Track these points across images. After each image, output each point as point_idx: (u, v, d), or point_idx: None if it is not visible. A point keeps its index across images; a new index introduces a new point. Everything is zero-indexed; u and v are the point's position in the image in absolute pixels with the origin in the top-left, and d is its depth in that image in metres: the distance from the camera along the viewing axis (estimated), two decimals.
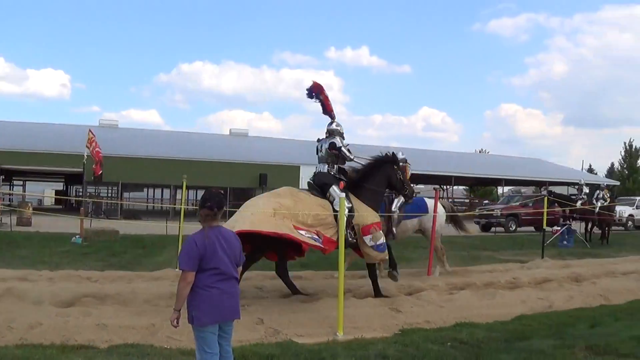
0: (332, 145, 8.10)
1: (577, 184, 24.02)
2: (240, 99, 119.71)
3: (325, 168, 8.15)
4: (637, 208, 32.89)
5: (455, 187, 54.54)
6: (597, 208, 21.21)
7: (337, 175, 8.11)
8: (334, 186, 7.84)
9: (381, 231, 7.84)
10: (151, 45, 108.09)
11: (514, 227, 27.31)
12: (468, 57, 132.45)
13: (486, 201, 44.31)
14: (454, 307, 7.76)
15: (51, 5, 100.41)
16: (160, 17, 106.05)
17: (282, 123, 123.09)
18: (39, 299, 6.90)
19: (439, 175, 43.06)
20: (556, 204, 21.47)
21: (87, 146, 18.69)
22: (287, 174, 33.57)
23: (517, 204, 28.72)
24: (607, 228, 21.51)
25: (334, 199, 7.62)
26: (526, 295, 8.75)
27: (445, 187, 51.25)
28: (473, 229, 14.87)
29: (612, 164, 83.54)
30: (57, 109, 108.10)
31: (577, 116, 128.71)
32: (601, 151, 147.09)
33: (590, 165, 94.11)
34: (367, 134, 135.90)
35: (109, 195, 36.71)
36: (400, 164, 8.80)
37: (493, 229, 27.23)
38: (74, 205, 29.93)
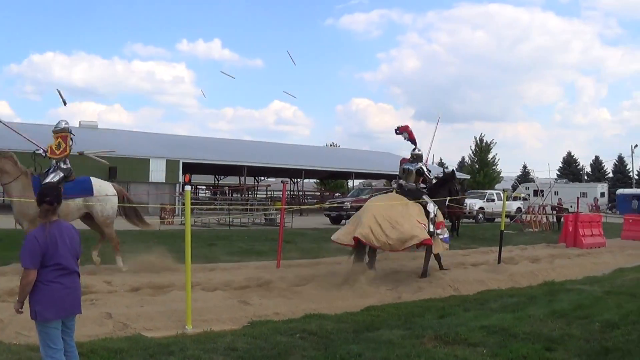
0: (419, 172, 11.98)
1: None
2: (92, 91, 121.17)
3: (412, 185, 11.90)
4: (487, 201, 37.16)
5: (306, 181, 56.59)
6: (447, 201, 23.45)
7: (421, 189, 12.05)
8: (424, 196, 11.59)
9: (446, 228, 11.81)
10: (1, 35, 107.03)
11: None
12: (320, 51, 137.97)
13: (337, 194, 46.75)
14: (303, 298, 8.30)
15: None
16: (12, 6, 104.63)
17: (133, 115, 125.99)
18: None
19: (289, 168, 44.64)
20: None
21: None
22: (137, 167, 34.80)
23: (368, 196, 30.81)
24: (457, 220, 23.74)
25: (427, 203, 11.36)
26: (376, 286, 9.53)
27: (295, 180, 52.94)
28: (153, 222, 15.30)
29: (463, 158, 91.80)
30: None
31: (428, 111, 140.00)
32: (452, 145, 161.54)
33: (441, 159, 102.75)
34: (218, 127, 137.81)
35: None
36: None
37: (343, 221, 28.55)
38: None
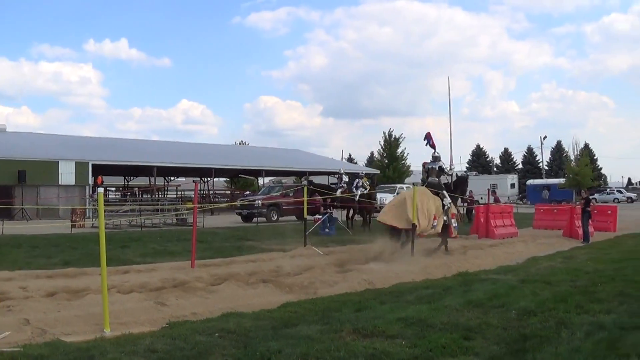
0: (441, 168, 16.17)
1: (337, 173, 27.04)
2: None
3: (435, 180, 15.82)
4: (397, 195, 38.33)
5: (216, 179, 56.29)
6: (358, 196, 24.19)
7: (442, 184, 15.96)
8: (444, 191, 15.52)
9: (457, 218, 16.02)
10: None
11: (275, 217, 29.89)
12: (228, 50, 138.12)
13: (247, 192, 46.92)
14: (220, 297, 8.37)
15: None
16: None
17: (41, 118, 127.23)
18: None
19: (199, 167, 45.01)
20: (317, 193, 23.91)
21: None
22: (46, 170, 35.55)
23: (278, 194, 31.25)
24: (368, 215, 24.54)
25: (444, 197, 15.33)
26: (291, 283, 9.71)
27: (206, 179, 52.56)
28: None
29: (372, 153, 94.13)
30: None
31: (336, 107, 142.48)
32: (361, 141, 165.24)
33: (350, 155, 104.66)
34: (127, 127, 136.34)
35: None
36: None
37: (255, 219, 29.17)
38: None
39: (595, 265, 12.22)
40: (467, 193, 19.87)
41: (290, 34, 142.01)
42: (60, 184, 36.19)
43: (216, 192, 54.95)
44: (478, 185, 46.55)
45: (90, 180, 37.70)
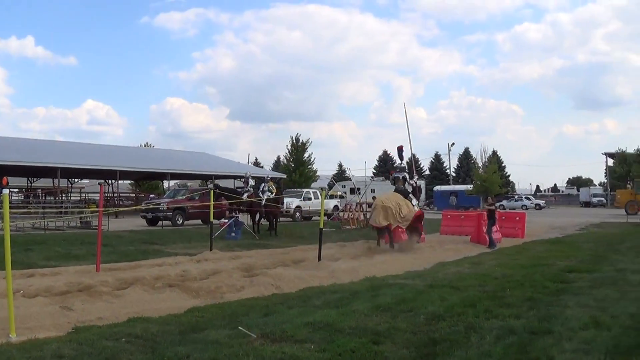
0: (404, 177, 19.37)
1: (243, 177, 27.18)
2: None
3: (402, 187, 19.01)
4: (304, 200, 39.04)
5: (120, 182, 55.26)
6: (264, 200, 24.47)
7: (407, 190, 19.09)
8: (410, 195, 18.87)
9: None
10: None
11: (181, 221, 29.91)
12: (135, 50, 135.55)
13: (152, 195, 46.52)
14: (126, 302, 8.42)
15: None
16: None
17: None
18: None
19: (104, 169, 44.60)
20: (223, 197, 23.99)
21: None
22: None
23: (184, 197, 31.41)
24: (274, 219, 24.89)
25: (411, 200, 18.61)
26: (198, 287, 9.81)
27: (110, 181, 51.50)
28: None
29: (279, 158, 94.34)
30: None
31: (243, 111, 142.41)
32: (268, 145, 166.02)
33: (256, 159, 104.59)
34: (30, 127, 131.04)
35: None
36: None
37: (160, 222, 29.03)
38: None
39: (503, 271, 12.58)
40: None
41: (199, 35, 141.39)
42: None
43: (121, 195, 54.25)
44: (384, 191, 47.74)
45: None
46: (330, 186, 78.16)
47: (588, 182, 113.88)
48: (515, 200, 73.50)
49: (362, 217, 31.41)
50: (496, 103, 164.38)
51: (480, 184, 58.73)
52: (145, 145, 76.97)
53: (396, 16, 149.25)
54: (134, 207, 35.72)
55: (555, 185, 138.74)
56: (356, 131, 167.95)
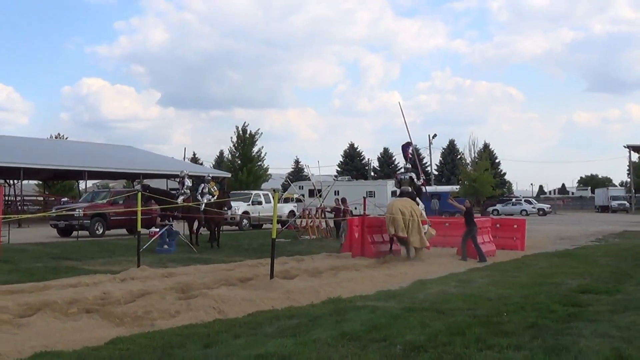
0: (411, 178, 21.30)
1: (178, 176, 27.05)
2: None
3: (408, 189, 20.92)
4: (253, 204, 39.15)
5: (25, 182, 54.40)
6: (203, 205, 24.40)
7: (414, 193, 21.07)
8: (417, 199, 20.70)
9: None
10: None
11: (101, 230, 29.99)
12: (43, 19, 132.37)
13: (65, 199, 45.99)
14: (32, 333, 8.31)
15: None
16: None
17: None
18: None
19: (3, 167, 43.88)
20: (153, 201, 23.85)
21: None
22: None
23: (105, 201, 30.96)
24: (216, 228, 24.87)
25: (419, 204, 20.42)
26: (122, 313, 9.79)
27: (12, 181, 50.77)
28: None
29: (222, 153, 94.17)
30: None
31: (178, 95, 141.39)
32: (208, 137, 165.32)
33: (194, 154, 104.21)
34: None
35: None
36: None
37: (75, 233, 28.86)
38: None
39: (499, 291, 12.67)
40: (344, 202, 21.31)
41: (122, 1, 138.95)
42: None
43: (25, 198, 53.30)
44: (352, 193, 48.11)
45: None
46: (285, 187, 78.40)
47: (606, 182, 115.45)
48: (513, 204, 74.39)
49: (323, 224, 31.55)
50: (489, 86, 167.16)
51: (468, 184, 59.62)
52: (56, 137, 76.53)
53: None
54: (42, 214, 35.33)
55: (563, 185, 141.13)
56: (316, 121, 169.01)
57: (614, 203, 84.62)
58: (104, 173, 52.57)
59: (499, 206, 71.69)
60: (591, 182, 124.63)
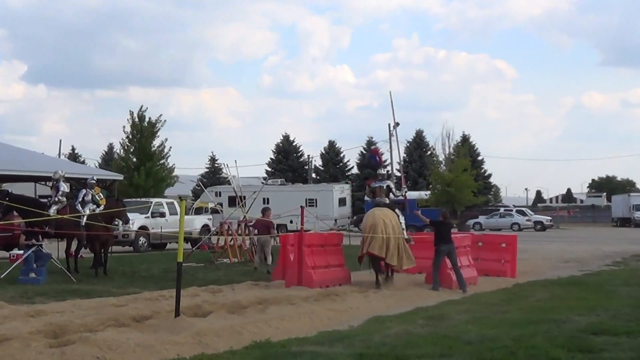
0: (389, 187, 22.89)
1: (50, 178, 26.70)
2: None
3: (384, 200, 22.33)
4: (153, 216, 38.91)
5: None
6: (85, 218, 24.01)
7: (392, 203, 22.80)
8: (397, 210, 22.32)
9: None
10: None
11: None
12: None
13: None
14: None
15: None
16: None
17: None
18: None
19: None
20: (15, 213, 23.43)
21: None
22: None
23: None
24: (103, 249, 24.76)
25: (399, 215, 21.91)
26: None
27: None
28: None
29: (112, 147, 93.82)
30: None
31: (51, 69, 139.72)
32: (92, 126, 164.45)
33: (74, 149, 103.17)
34: None
35: None
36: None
37: None
38: None
39: (481, 331, 12.78)
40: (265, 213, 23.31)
41: None
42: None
43: None
44: (286, 201, 48.27)
45: None
46: (198, 194, 78.01)
47: (627, 186, 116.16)
48: (501, 216, 75.15)
49: (247, 243, 31.47)
50: (470, 58, 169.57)
51: (442, 189, 60.03)
52: None
53: None
54: None
55: (568, 191, 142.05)
56: (239, 104, 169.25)
57: (638, 214, 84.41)
58: None
59: (482, 218, 72.39)
60: (607, 186, 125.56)
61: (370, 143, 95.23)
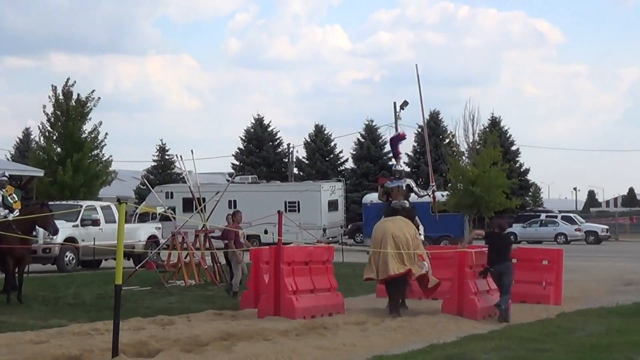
0: (409, 187, 24.34)
1: None
2: None
3: (404, 204, 23.80)
4: (83, 225, 38.80)
5: None
6: None
7: (413, 209, 24.26)
8: (417, 218, 23.79)
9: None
10: None
11: None
12: None
13: None
14: None
15: None
16: None
17: None
18: None
19: None
20: None
21: None
22: None
23: None
24: (17, 267, 24.73)
25: (418, 227, 23.27)
26: None
27: None
28: None
29: (29, 133, 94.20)
30: None
31: None
32: (2, 105, 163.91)
33: None
34: None
35: None
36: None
37: None
38: None
39: None
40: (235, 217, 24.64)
41: None
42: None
43: None
44: (259, 204, 48.53)
45: None
46: (143, 195, 78.08)
47: None
48: (543, 225, 75.35)
49: (205, 261, 31.47)
50: (501, 17, 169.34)
51: (464, 188, 60.03)
52: None
53: None
54: None
55: (631, 191, 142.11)
56: (197, 77, 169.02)
57: None
58: None
59: (517, 227, 72.13)
60: None
61: (369, 128, 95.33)
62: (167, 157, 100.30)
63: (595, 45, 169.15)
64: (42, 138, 64.49)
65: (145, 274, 32.15)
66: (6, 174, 28.56)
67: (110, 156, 63.91)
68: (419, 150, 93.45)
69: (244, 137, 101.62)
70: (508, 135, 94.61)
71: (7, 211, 24.94)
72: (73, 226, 38.75)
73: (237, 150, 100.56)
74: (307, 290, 21.22)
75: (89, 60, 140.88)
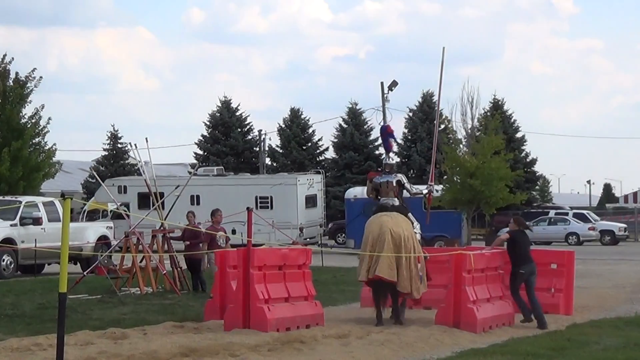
0: (400, 183, 24.65)
1: None
2: None
3: (393, 202, 24.25)
4: (23, 224, 38.81)
5: None
6: None
7: (406, 207, 24.81)
8: (410, 214, 24.34)
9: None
10: None
11: None
12: None
13: None
14: None
15: None
16: None
17: None
18: None
19: None
20: None
21: None
22: None
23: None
24: None
25: (413, 223, 23.98)
26: None
27: None
28: None
29: None
30: None
31: None
32: None
33: None
34: None
35: None
36: None
37: None
38: None
39: None
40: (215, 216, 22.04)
41: None
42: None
43: None
44: (226, 199, 48.65)
45: None
46: (92, 189, 78.09)
47: None
48: (552, 223, 75.63)
49: (164, 266, 31.52)
50: None
51: (462, 181, 60.16)
52: None
53: None
54: None
55: None
56: (155, 53, 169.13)
57: None
58: None
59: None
60: None
61: (353, 112, 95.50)
62: (119, 145, 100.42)
63: (613, 17, 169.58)
64: None
65: (95, 281, 32.26)
66: None
67: (54, 145, 63.75)
68: (409, 137, 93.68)
69: (208, 123, 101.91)
70: (512, 120, 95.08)
71: None
72: (11, 225, 38.89)
73: (201, 138, 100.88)
74: (281, 298, 21.27)
75: (29, 34, 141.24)
